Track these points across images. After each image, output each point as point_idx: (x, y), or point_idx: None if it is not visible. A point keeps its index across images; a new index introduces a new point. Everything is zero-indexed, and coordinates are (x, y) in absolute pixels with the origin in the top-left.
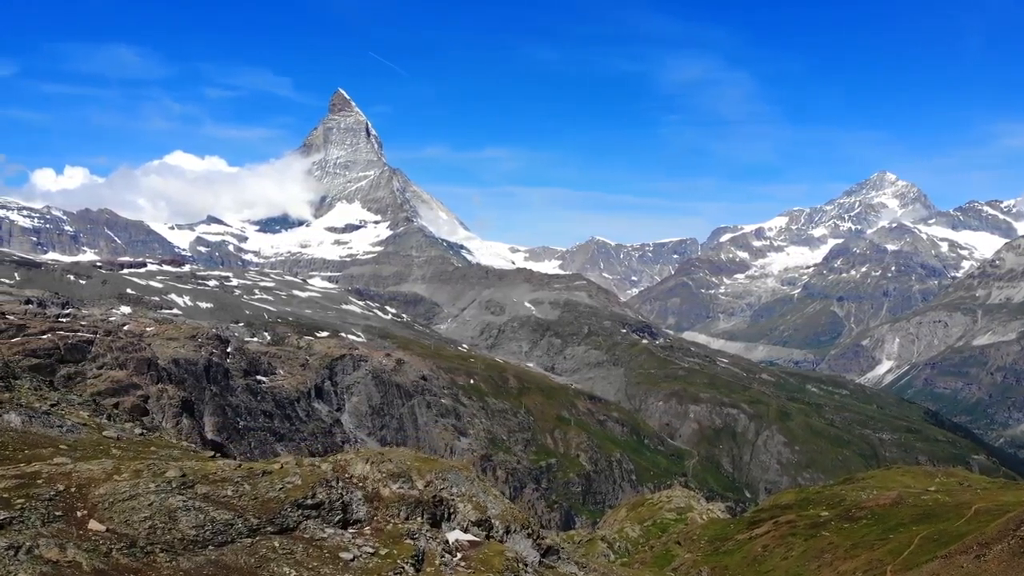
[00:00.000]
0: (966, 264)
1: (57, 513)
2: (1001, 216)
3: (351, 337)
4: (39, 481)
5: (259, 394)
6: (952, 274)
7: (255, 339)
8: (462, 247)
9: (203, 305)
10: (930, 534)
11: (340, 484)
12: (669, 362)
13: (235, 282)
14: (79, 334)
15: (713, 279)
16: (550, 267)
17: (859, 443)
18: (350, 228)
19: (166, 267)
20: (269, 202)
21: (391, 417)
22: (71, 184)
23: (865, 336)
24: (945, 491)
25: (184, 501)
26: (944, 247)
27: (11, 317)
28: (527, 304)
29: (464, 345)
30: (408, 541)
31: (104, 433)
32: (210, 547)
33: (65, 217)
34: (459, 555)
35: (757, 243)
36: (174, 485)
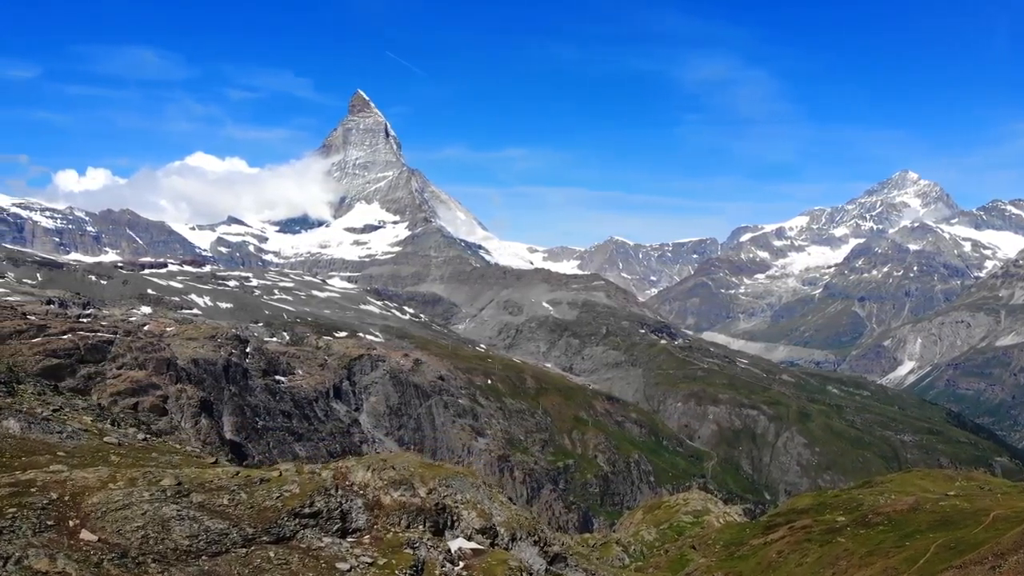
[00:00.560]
0: (989, 264)
1: (49, 522)
2: None
3: (369, 337)
4: (33, 489)
5: (278, 394)
6: (975, 274)
7: (274, 339)
8: (480, 247)
9: (223, 305)
10: (947, 542)
11: (339, 492)
12: (688, 363)
13: (255, 282)
14: (99, 334)
15: (733, 279)
16: (568, 267)
17: (880, 445)
18: (369, 228)
19: (187, 267)
20: (289, 203)
21: (409, 417)
22: (93, 185)
23: (887, 337)
24: (964, 496)
25: (178, 510)
26: (967, 247)
27: (32, 317)
28: (545, 304)
29: (482, 345)
30: (408, 550)
31: (105, 439)
32: (203, 557)
33: (87, 218)
34: (461, 564)
35: (778, 243)
36: (169, 494)
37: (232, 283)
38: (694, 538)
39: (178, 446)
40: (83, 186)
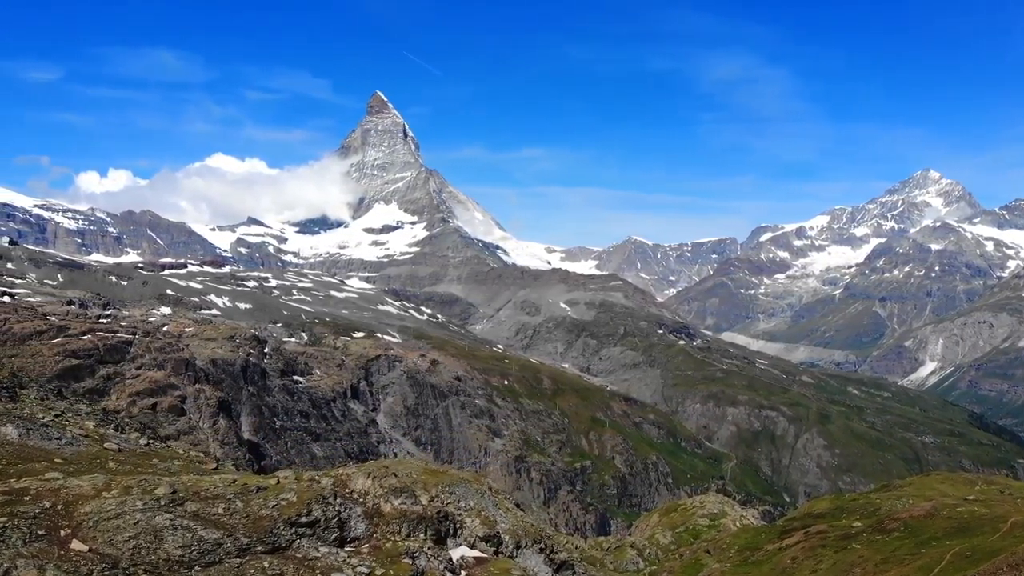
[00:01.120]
0: (1012, 264)
1: (40, 532)
2: None
3: (387, 338)
4: (26, 498)
5: (296, 394)
6: (998, 274)
7: (292, 339)
8: (498, 247)
9: (242, 306)
10: (963, 550)
11: (338, 500)
12: (707, 363)
13: (274, 283)
14: (118, 335)
15: (753, 279)
16: (586, 267)
17: (901, 446)
18: (387, 229)
19: (206, 268)
20: (308, 204)
21: (426, 418)
22: (115, 186)
23: (908, 337)
24: (983, 501)
25: (172, 520)
26: (989, 246)
27: (52, 318)
28: (562, 305)
29: (499, 346)
30: (407, 560)
31: (105, 445)
32: (196, 568)
33: (109, 219)
34: (463, 573)
35: (798, 242)
36: (163, 503)
37: (251, 283)
38: (709, 542)
39: (181, 451)
40: (104, 187)
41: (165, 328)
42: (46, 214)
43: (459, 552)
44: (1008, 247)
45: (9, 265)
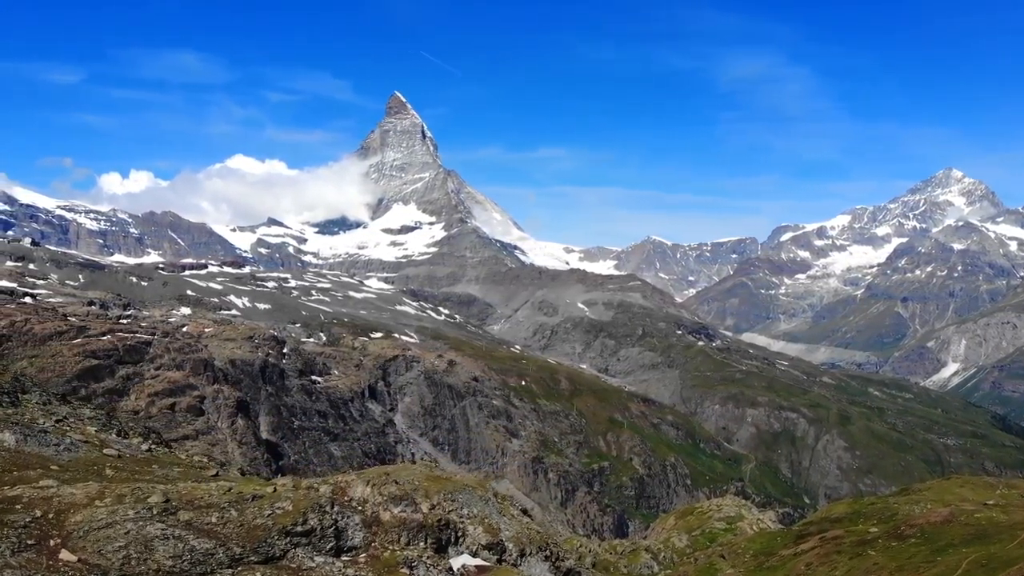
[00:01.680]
0: None
1: (29, 542)
2: None
3: (404, 338)
4: (18, 506)
5: (314, 394)
6: (1021, 274)
7: (311, 340)
8: (516, 248)
9: (261, 306)
10: (979, 558)
11: (335, 508)
12: (726, 364)
13: (293, 283)
14: (138, 335)
15: (773, 279)
16: (605, 267)
17: (923, 448)
18: (406, 229)
19: (226, 268)
20: (328, 204)
21: (443, 418)
22: (136, 187)
23: (930, 338)
24: (1003, 507)
25: (163, 529)
26: (1013, 246)
27: (73, 319)
28: (580, 305)
29: (517, 346)
30: (404, 570)
31: (105, 451)
32: None
33: (130, 220)
34: None
35: (819, 242)
36: (155, 512)
37: (271, 284)
38: (724, 546)
39: (183, 456)
40: (126, 188)
41: (184, 328)
42: (69, 215)
43: (460, 561)
44: None
45: (31, 266)
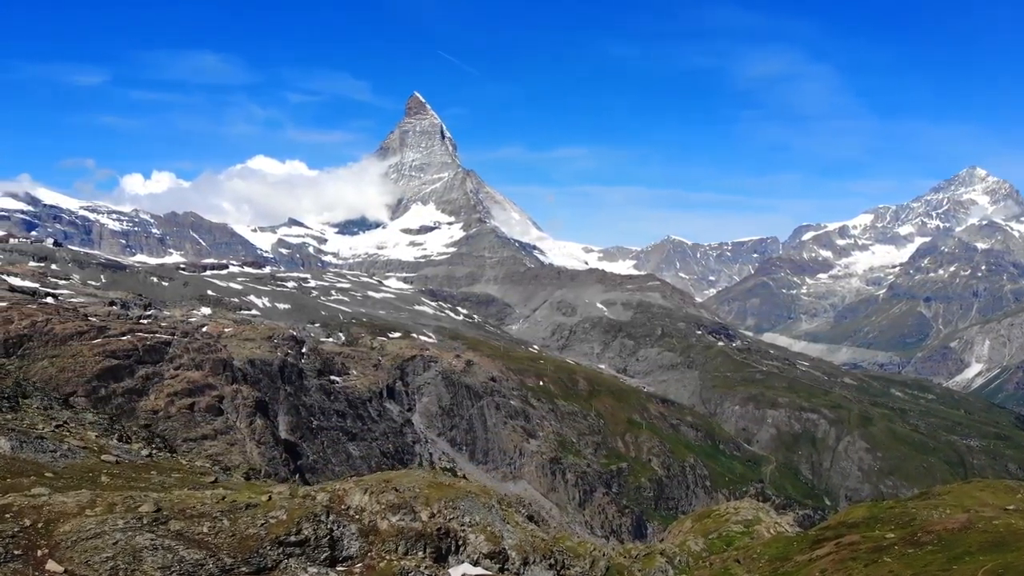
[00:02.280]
0: None
1: (16, 552)
2: None
3: (422, 338)
4: (8, 515)
5: (332, 394)
6: None
7: (330, 339)
8: (535, 247)
9: (281, 306)
10: (995, 567)
11: (331, 518)
12: (746, 365)
13: (313, 283)
14: (157, 335)
15: (795, 279)
16: (624, 267)
17: (945, 450)
18: (424, 229)
19: (247, 268)
20: (347, 205)
21: (460, 418)
22: (158, 188)
23: (953, 338)
24: (1022, 511)
25: (152, 539)
26: None
27: (93, 319)
28: (599, 305)
29: (535, 346)
30: None
31: (103, 457)
32: None
33: (152, 220)
34: None
35: (841, 242)
36: (145, 521)
37: (290, 284)
38: (740, 551)
39: (184, 462)
40: (148, 189)
41: (204, 328)
42: (91, 216)
43: (460, 571)
44: None
45: (54, 266)
